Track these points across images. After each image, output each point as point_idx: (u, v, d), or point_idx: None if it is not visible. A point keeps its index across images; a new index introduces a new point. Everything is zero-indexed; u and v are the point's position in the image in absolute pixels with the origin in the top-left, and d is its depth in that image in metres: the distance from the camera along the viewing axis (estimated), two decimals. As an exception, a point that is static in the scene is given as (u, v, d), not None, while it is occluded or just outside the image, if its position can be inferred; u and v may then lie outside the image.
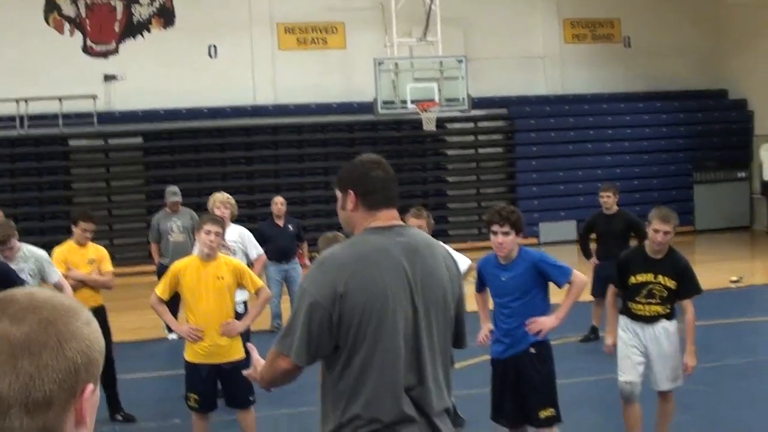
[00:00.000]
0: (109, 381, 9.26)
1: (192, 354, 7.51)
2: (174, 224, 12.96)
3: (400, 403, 3.69)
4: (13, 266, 7.71)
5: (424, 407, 3.75)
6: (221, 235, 7.54)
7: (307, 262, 14.33)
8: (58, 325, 1.51)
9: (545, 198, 24.51)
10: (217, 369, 7.46)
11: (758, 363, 10.90)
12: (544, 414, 6.44)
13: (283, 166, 23.36)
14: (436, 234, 20.16)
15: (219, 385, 7.66)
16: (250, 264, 9.49)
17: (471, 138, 24.80)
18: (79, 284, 8.80)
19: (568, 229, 23.86)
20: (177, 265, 7.62)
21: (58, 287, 8.21)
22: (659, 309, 7.09)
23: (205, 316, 7.38)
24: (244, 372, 4.21)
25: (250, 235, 10.05)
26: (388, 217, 3.88)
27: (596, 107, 25.15)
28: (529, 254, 6.49)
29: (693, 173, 25.51)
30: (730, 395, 9.39)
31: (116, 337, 8.32)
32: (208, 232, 7.38)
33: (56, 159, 22.53)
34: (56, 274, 8.29)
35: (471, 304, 11.63)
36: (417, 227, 8.46)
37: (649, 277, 7.01)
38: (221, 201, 9.76)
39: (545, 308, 6.49)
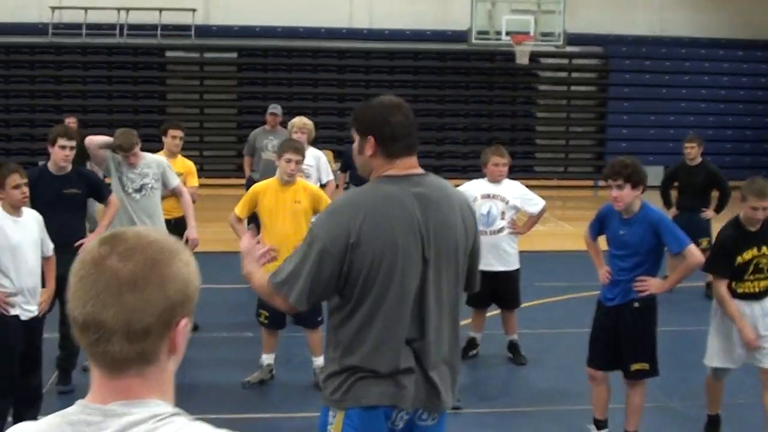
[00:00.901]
0: None
1: (266, 272, 7.80)
2: (270, 142, 13.23)
3: (398, 356, 3.69)
4: (137, 172, 8.15)
5: (422, 359, 3.74)
6: (301, 163, 7.78)
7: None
8: (161, 265, 1.70)
9: (634, 141, 24.21)
10: (289, 288, 7.75)
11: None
12: (635, 367, 6.46)
13: (373, 91, 23.45)
14: (522, 169, 20.45)
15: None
16: (322, 186, 9.75)
17: (564, 74, 24.61)
18: (167, 193, 9.16)
19: (655, 174, 23.36)
20: (256, 187, 7.89)
21: (177, 192, 8.68)
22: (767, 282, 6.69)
23: (280, 237, 7.62)
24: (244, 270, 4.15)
25: (326, 160, 10.26)
26: (407, 165, 3.78)
27: (694, 52, 24.68)
28: (650, 214, 6.28)
29: (790, 125, 25.01)
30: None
31: (201, 247, 8.68)
32: (289, 161, 7.64)
33: (152, 69, 23.02)
34: (176, 179, 8.66)
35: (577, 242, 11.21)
36: (501, 164, 8.65)
37: (754, 251, 6.55)
38: (299, 126, 10.02)
39: (656, 268, 6.45)
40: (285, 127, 13.52)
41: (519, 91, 24.31)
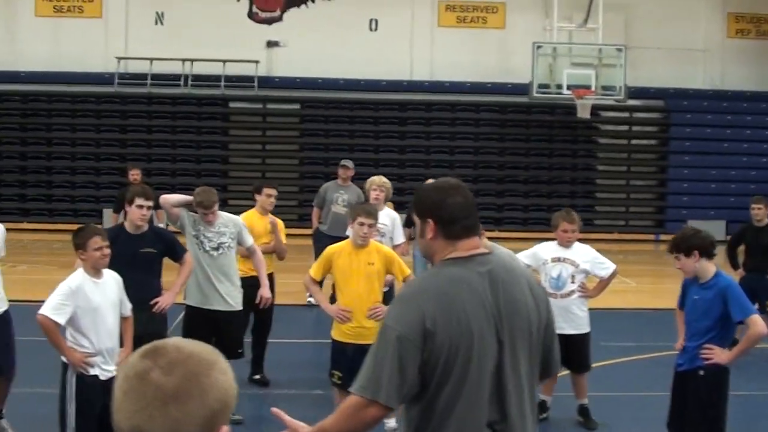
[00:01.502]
0: (260, 342, 9.74)
1: (339, 333, 7.85)
2: (340, 196, 13.40)
3: None
4: (214, 230, 8.29)
5: None
6: (374, 227, 7.85)
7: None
8: (201, 378, 1.79)
9: (695, 195, 24.09)
10: (363, 349, 7.76)
11: None
12: None
13: (435, 143, 23.60)
14: (583, 222, 20.27)
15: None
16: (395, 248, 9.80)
17: (625, 128, 24.56)
18: (244, 252, 9.33)
19: (717, 228, 23.32)
20: (331, 249, 7.96)
21: (251, 251, 8.82)
22: None
23: (354, 298, 7.71)
24: None
25: (399, 222, 10.30)
26: (469, 246, 3.68)
27: (755, 106, 24.52)
28: (721, 281, 6.33)
29: None
30: None
31: (267, 299, 8.91)
32: (362, 224, 7.71)
33: (216, 119, 23.36)
34: (251, 239, 8.79)
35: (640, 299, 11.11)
36: (569, 231, 8.61)
37: None
38: (378, 184, 10.09)
39: (726, 338, 6.47)
40: (353, 181, 13.71)
41: (579, 144, 24.30)
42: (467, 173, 22.93)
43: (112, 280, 6.47)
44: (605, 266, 8.81)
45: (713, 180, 24.18)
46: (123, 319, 6.59)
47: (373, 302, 7.76)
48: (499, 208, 23.02)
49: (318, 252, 13.38)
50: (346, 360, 7.82)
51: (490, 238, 16.06)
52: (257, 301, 8.87)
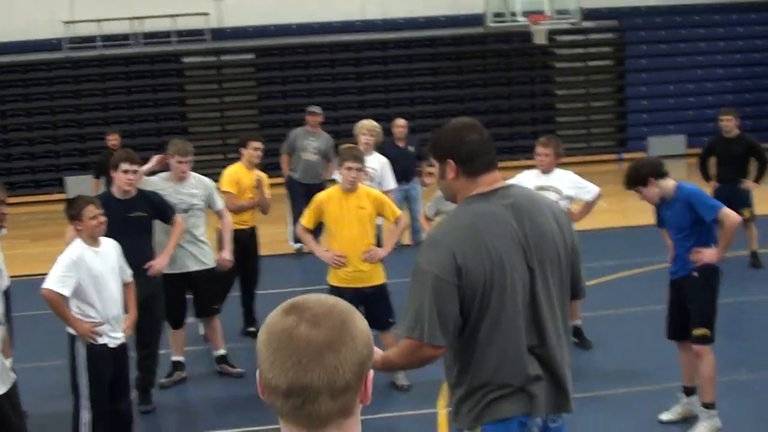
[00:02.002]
0: (249, 295, 9.77)
1: (336, 279, 7.90)
2: (311, 144, 13.34)
3: (525, 365, 3.74)
4: (185, 190, 8.27)
5: (549, 364, 3.81)
6: (361, 170, 7.85)
7: (427, 180, 14.61)
8: (348, 325, 1.84)
9: (654, 112, 24.26)
10: (360, 293, 7.83)
11: None
12: (696, 333, 6.78)
13: (393, 82, 23.52)
14: None
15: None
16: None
17: (581, 50, 24.56)
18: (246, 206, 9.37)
19: (678, 142, 23.68)
20: (320, 197, 7.97)
21: (220, 215, 8.78)
22: None
23: (347, 243, 7.75)
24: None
25: (389, 167, 10.30)
26: (490, 180, 3.83)
27: (708, 18, 24.61)
28: (683, 191, 6.73)
29: (808, 87, 24.97)
30: None
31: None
32: (350, 169, 7.72)
33: (171, 76, 23.10)
34: (221, 202, 8.76)
35: (609, 218, 11.17)
36: (542, 154, 8.70)
37: None
38: (368, 128, 10.07)
39: (709, 238, 6.80)
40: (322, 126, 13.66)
41: (537, 70, 24.29)
42: (427, 109, 22.96)
43: (110, 247, 6.46)
44: (588, 189, 8.92)
45: (671, 95, 24.35)
46: (124, 285, 6.59)
47: (366, 245, 7.81)
48: (417, 142, 22.88)
49: (293, 199, 13.44)
50: (345, 305, 7.88)
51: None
52: (222, 262, 8.77)
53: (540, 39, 21.77)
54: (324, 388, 1.78)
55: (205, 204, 8.54)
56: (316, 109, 13.52)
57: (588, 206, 8.98)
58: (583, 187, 8.91)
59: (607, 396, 7.71)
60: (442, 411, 7.42)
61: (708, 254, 6.72)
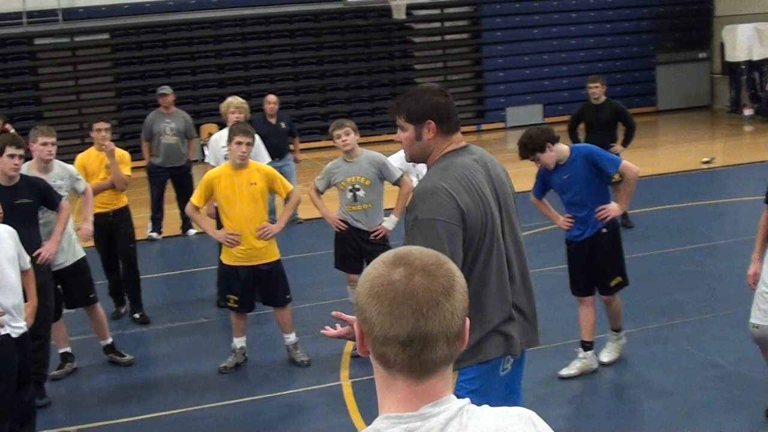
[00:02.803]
0: (132, 280, 9.56)
1: (230, 257, 7.80)
2: (167, 125, 13.05)
3: (509, 305, 4.05)
4: (51, 181, 7.81)
5: (518, 303, 4.12)
6: (251, 145, 7.73)
7: (299, 157, 14.57)
8: (454, 273, 1.88)
9: (511, 83, 24.75)
10: (255, 270, 7.77)
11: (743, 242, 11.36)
12: (613, 282, 7.29)
13: (253, 59, 23.27)
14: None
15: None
16: None
17: (437, 25, 24.80)
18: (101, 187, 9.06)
19: (535, 112, 24.28)
20: (210, 175, 7.82)
21: (86, 195, 8.40)
22: None
23: (240, 221, 7.65)
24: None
25: (261, 142, 10.20)
26: (459, 138, 4.15)
27: (559, -10, 25.18)
28: (580, 150, 7.07)
29: (655, 54, 25.89)
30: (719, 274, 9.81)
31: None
32: (240, 143, 7.59)
33: (23, 59, 22.25)
34: (83, 184, 8.40)
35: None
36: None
37: None
38: (236, 105, 9.86)
39: (607, 196, 7.23)
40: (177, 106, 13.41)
41: (395, 45, 24.36)
42: (287, 86, 22.80)
43: (6, 233, 6.19)
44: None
45: (527, 66, 24.86)
46: (23, 272, 6.34)
47: (260, 222, 7.72)
48: (322, 117, 22.86)
49: (153, 186, 13.17)
50: (240, 283, 7.82)
51: (315, 148, 16.09)
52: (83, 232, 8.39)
53: (398, 14, 21.92)
54: (441, 335, 1.81)
55: (70, 192, 8.21)
56: (166, 89, 13.24)
57: None
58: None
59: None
60: (346, 383, 7.46)
61: (613, 209, 7.10)
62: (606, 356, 7.49)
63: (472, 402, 1.89)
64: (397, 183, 8.11)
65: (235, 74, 22.90)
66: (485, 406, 1.89)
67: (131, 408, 7.31)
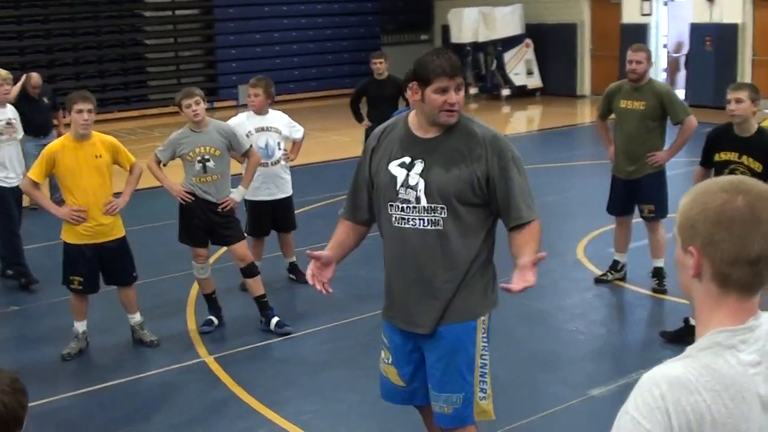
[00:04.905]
0: None
1: (74, 235, 7.28)
2: None
3: None
4: None
5: None
6: (93, 112, 7.24)
7: (63, 131, 13.75)
8: None
9: (243, 60, 24.55)
10: (102, 248, 7.32)
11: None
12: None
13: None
14: (138, 99, 20.43)
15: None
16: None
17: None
18: None
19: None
20: (51, 148, 7.25)
21: None
22: None
23: (88, 196, 7.17)
24: None
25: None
26: None
27: (290, -31, 25.26)
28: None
29: (380, 36, 26.59)
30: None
31: None
32: (80, 111, 7.10)
33: None
34: None
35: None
36: (254, 96, 8.60)
37: (732, 156, 6.90)
38: (3, 78, 9.20)
39: None
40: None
41: (125, 19, 23.42)
42: (12, 60, 21.36)
43: None
44: (297, 128, 9.03)
45: (258, 44, 24.77)
46: None
47: (106, 196, 7.28)
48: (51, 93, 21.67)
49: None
50: (85, 262, 7.37)
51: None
52: None
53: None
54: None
55: None
56: None
57: (298, 144, 9.08)
58: (294, 126, 8.98)
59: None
60: (209, 359, 7.22)
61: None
62: None
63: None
64: (245, 154, 7.91)
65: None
66: None
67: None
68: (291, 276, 9.22)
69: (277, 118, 8.85)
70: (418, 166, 4.11)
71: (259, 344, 7.52)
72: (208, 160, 7.59)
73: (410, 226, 4.12)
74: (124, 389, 6.83)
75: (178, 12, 24.27)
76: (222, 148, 7.66)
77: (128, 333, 7.70)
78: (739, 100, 6.70)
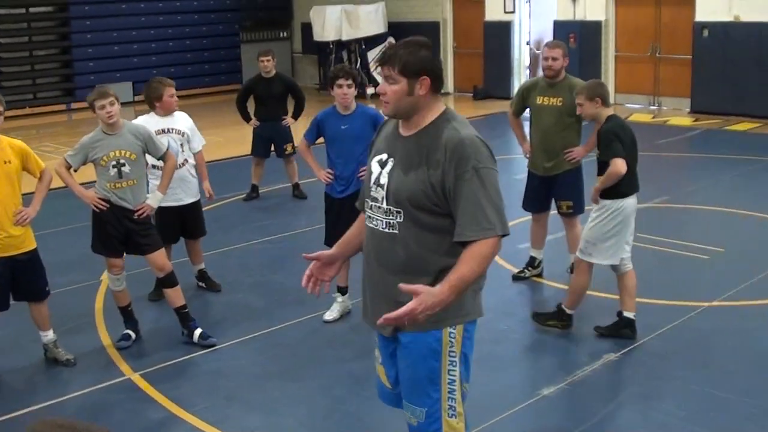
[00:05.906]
0: None
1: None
2: None
3: None
4: None
5: None
6: (2, 114, 6.72)
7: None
8: None
9: (101, 60, 23.78)
10: (12, 262, 6.81)
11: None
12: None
13: None
14: None
15: None
16: None
17: (21, -4, 23.14)
18: None
19: (125, 90, 23.45)
20: (-46, 152, 6.72)
21: None
22: None
23: (-5, 204, 6.67)
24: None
25: None
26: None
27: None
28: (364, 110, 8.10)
29: (240, 33, 26.18)
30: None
31: None
32: None
33: None
34: None
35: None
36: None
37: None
38: None
39: None
40: None
41: (-26, 16, 22.39)
42: None
43: None
44: (199, 138, 8.65)
45: (116, 42, 24.02)
46: None
47: (16, 206, 6.78)
48: None
49: None
50: (-9, 278, 6.81)
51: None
52: None
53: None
54: None
55: None
56: None
57: (201, 158, 8.68)
58: (196, 132, 8.61)
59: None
60: (134, 375, 6.81)
61: None
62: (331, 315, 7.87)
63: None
64: (161, 158, 7.51)
65: None
66: None
67: None
68: (200, 284, 8.87)
69: (181, 119, 8.47)
70: (390, 164, 3.85)
71: (184, 357, 7.14)
72: (124, 165, 7.17)
73: (373, 225, 3.89)
74: (44, 415, 6.33)
75: (32, 9, 23.24)
76: (138, 151, 7.26)
77: (40, 352, 7.21)
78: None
